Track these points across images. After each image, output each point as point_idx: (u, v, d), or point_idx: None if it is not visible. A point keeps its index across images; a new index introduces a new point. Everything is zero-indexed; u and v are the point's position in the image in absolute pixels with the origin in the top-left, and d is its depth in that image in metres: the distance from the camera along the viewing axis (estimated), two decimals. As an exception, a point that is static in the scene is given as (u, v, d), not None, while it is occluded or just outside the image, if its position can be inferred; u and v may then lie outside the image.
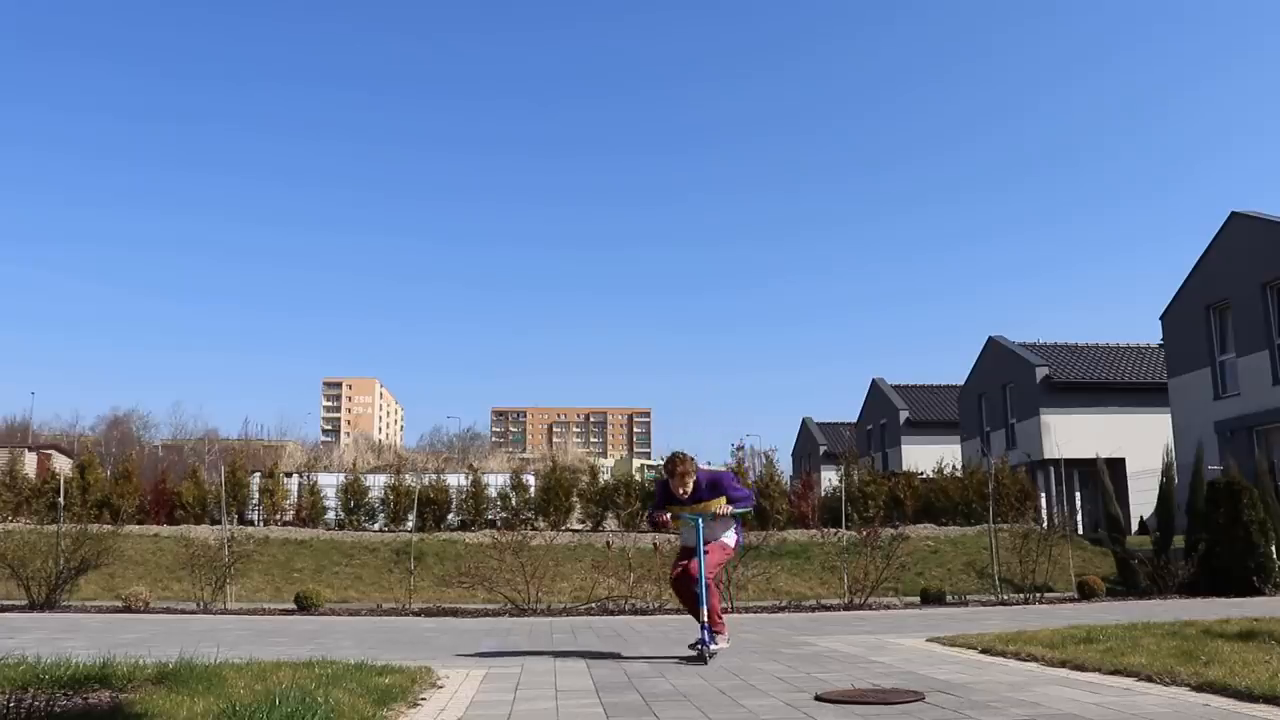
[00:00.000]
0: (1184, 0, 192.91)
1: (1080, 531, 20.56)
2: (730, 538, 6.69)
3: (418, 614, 12.51)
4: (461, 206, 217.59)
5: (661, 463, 7.29)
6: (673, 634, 7.83)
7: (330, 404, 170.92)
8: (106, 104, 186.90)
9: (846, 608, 12.99)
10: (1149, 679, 4.87)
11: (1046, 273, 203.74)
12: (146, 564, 16.70)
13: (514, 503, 20.58)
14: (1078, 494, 26.98)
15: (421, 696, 4.65)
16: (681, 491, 6.48)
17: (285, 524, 20.42)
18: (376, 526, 20.63)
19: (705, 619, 6.20)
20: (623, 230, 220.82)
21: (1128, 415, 28.38)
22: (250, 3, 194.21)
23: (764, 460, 22.58)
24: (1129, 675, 5.06)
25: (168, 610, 12.77)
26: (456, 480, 21.28)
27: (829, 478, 28.53)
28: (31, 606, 12.75)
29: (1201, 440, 18.81)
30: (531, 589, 13.00)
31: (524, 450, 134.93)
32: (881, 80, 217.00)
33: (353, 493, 20.58)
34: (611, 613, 12.40)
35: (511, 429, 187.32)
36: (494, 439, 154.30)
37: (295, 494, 21.41)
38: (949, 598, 14.05)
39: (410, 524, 18.96)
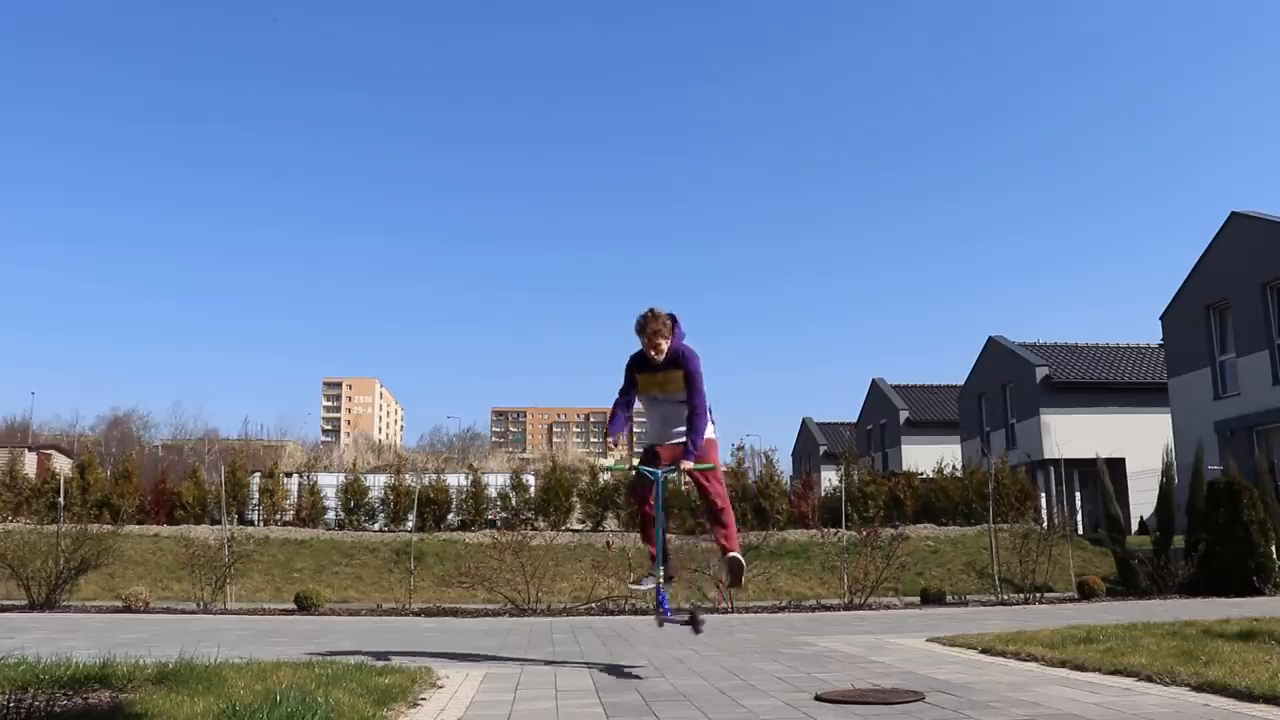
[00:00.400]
0: (1184, 0, 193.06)
1: (1080, 531, 20.56)
2: (715, 450, 5.86)
3: (418, 614, 12.51)
4: (461, 206, 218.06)
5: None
6: (673, 634, 7.83)
7: (330, 404, 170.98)
8: (106, 104, 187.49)
9: (846, 608, 12.99)
10: (1149, 679, 4.87)
11: (1046, 273, 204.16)
12: (146, 564, 16.70)
13: (514, 503, 20.58)
14: (1078, 494, 26.98)
15: (421, 696, 4.64)
16: (654, 354, 5.67)
17: (285, 524, 20.42)
18: (376, 526, 20.64)
19: (664, 572, 5.72)
20: (623, 230, 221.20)
21: (1128, 415, 28.39)
22: (250, 3, 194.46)
23: (764, 460, 22.52)
24: (1129, 675, 5.05)
25: (168, 610, 12.77)
26: (456, 480, 21.29)
27: (829, 478, 28.52)
28: (31, 606, 12.74)
29: (1201, 440, 18.80)
30: (531, 589, 13.00)
31: (524, 450, 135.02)
32: (881, 80, 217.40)
33: (353, 493, 20.59)
34: (611, 613, 12.40)
35: (511, 429, 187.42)
36: (494, 439, 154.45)
37: (295, 494, 21.41)
38: (949, 598, 14.05)
39: (410, 524, 18.96)
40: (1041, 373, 29.88)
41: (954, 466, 22.98)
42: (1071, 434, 27.57)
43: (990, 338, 33.77)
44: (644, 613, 12.27)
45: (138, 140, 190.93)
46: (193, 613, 12.50)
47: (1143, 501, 21.08)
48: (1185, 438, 22.05)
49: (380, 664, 5.51)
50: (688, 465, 5.64)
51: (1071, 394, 29.47)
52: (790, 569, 17.08)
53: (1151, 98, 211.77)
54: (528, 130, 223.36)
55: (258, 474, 21.61)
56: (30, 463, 29.68)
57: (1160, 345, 27.87)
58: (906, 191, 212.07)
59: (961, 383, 36.01)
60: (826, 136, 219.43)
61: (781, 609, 12.76)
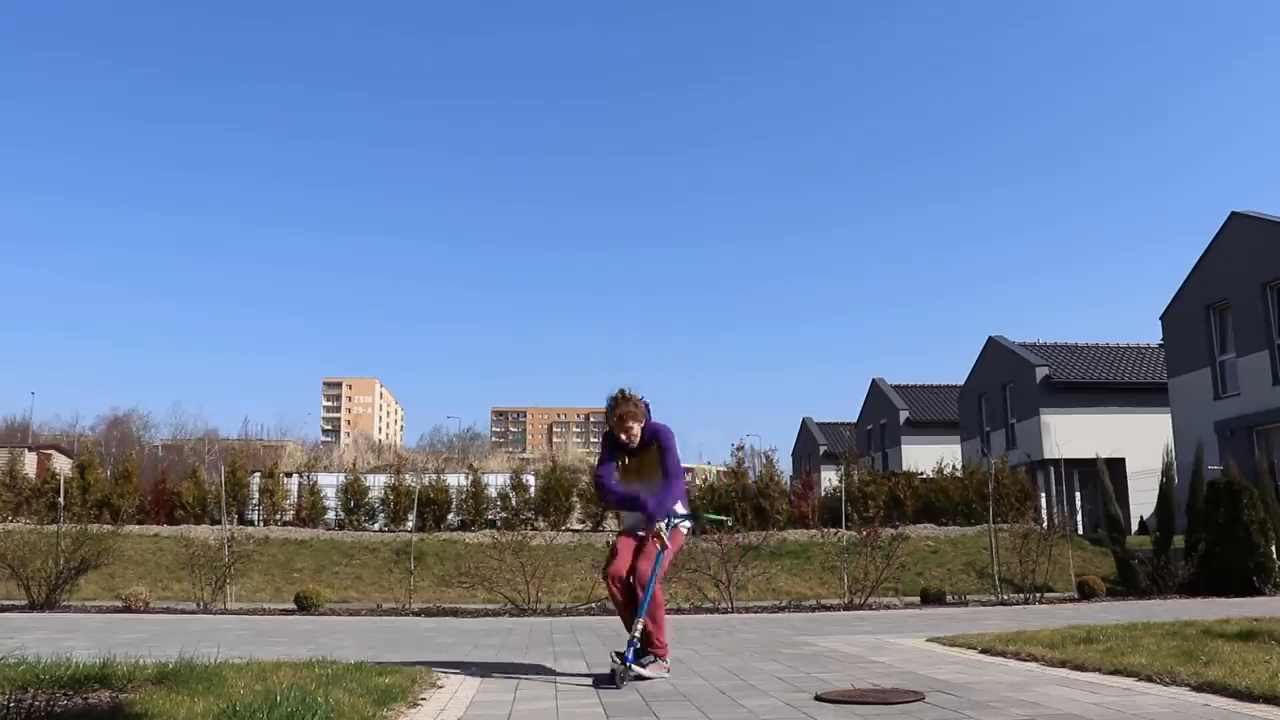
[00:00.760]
0: (1184, 0, 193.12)
1: (1080, 531, 20.57)
2: (684, 525, 5.58)
3: (418, 614, 12.52)
4: (461, 206, 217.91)
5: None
6: (673, 634, 7.82)
7: (330, 404, 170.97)
8: (106, 104, 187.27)
9: (846, 608, 12.99)
10: (1149, 679, 4.87)
11: (1046, 273, 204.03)
12: (146, 564, 16.71)
13: (514, 503, 20.59)
14: (1078, 494, 26.98)
15: (421, 696, 4.64)
16: (625, 438, 5.47)
17: (285, 524, 20.43)
18: (376, 526, 20.64)
19: (638, 633, 5.14)
20: (623, 230, 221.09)
21: (1128, 415, 28.39)
22: (250, 3, 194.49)
23: (764, 460, 22.49)
24: (1129, 675, 5.05)
25: (168, 610, 12.78)
26: (456, 480, 21.30)
27: (829, 478, 28.53)
28: (31, 606, 12.75)
29: (1201, 440, 18.81)
30: (531, 589, 13.00)
31: (524, 450, 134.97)
32: (881, 80, 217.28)
33: (353, 493, 20.59)
34: (611, 613, 12.39)
35: (511, 429, 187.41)
36: (494, 439, 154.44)
37: (295, 494, 21.42)
38: (949, 598, 14.05)
39: (410, 524, 18.96)
40: (1041, 373, 29.88)
41: (954, 466, 23.00)
42: (1071, 434, 27.58)
43: (990, 338, 33.76)
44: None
45: (138, 140, 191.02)
46: (193, 613, 12.50)
47: (1143, 501, 21.09)
48: (1185, 438, 22.05)
49: (380, 664, 5.51)
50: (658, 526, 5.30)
51: (1071, 394, 29.47)
52: (790, 569, 17.08)
53: (1151, 98, 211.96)
54: (528, 130, 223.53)
55: (258, 474, 21.63)
56: (30, 463, 29.69)
57: (1160, 345, 27.87)
58: (906, 191, 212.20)
59: (961, 383, 36.00)
60: (826, 136, 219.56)
61: (781, 609, 12.77)
